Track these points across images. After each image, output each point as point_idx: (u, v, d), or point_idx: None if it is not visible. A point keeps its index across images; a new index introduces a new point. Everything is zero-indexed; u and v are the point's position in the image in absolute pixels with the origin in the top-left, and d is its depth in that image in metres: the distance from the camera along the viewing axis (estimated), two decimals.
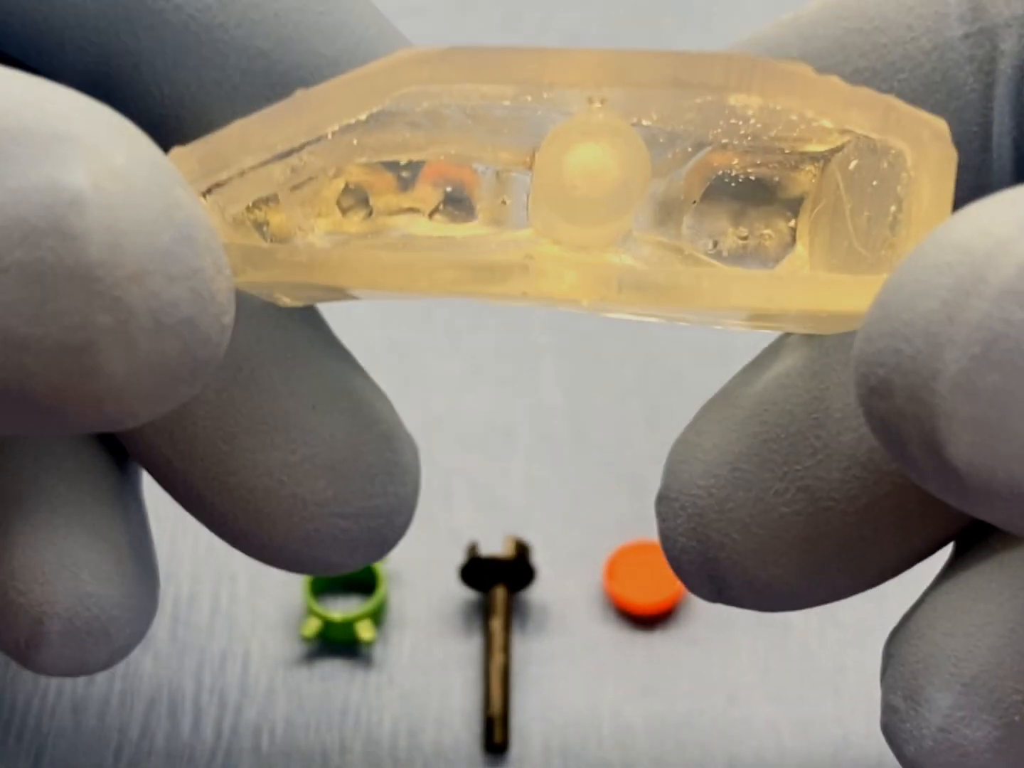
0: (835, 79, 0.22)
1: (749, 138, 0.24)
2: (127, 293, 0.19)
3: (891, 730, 0.26)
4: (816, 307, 0.22)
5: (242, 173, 0.23)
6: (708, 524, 0.25)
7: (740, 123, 0.24)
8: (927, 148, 0.22)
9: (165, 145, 0.26)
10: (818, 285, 0.22)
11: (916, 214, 0.22)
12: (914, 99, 0.24)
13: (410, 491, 0.27)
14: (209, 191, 0.23)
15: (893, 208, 0.23)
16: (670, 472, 0.26)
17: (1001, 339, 0.18)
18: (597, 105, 0.24)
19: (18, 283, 0.19)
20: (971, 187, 0.25)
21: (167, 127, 0.25)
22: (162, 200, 0.19)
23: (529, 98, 0.24)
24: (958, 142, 0.24)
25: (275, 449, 0.25)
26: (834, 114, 0.23)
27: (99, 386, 0.19)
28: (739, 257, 0.25)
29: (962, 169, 0.24)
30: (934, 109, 0.24)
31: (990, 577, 0.25)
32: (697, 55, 0.22)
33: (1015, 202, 0.19)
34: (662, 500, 0.26)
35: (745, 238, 0.25)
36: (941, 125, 0.22)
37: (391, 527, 0.26)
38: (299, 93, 0.23)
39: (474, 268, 0.23)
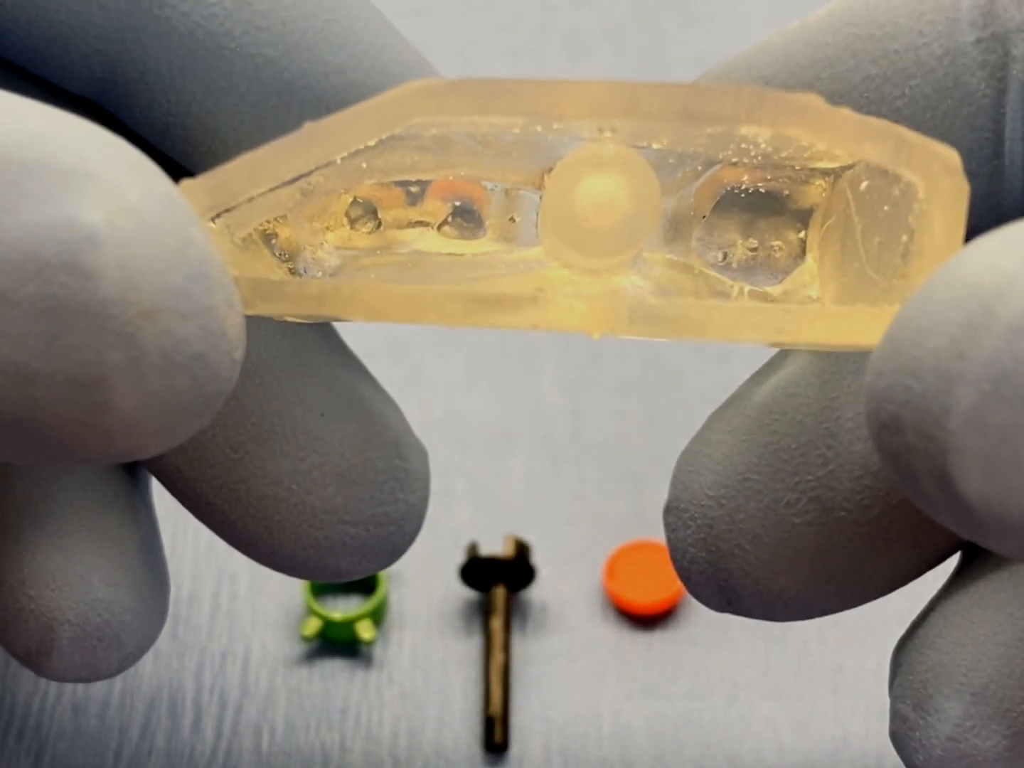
0: (846, 111, 0.22)
1: (759, 157, 0.24)
2: (139, 330, 0.19)
3: (900, 739, 0.26)
4: (826, 340, 0.22)
5: (251, 199, 0.23)
6: (718, 535, 0.25)
7: (751, 147, 0.24)
8: (939, 181, 0.22)
9: (171, 152, 0.26)
10: (829, 318, 0.22)
11: (928, 246, 0.22)
12: (925, 105, 0.24)
13: (419, 498, 0.27)
14: (218, 215, 0.23)
15: (904, 238, 0.23)
16: (679, 482, 0.26)
17: (1011, 375, 0.18)
18: (608, 134, 0.24)
19: (30, 318, 0.19)
20: (983, 194, 0.24)
21: (173, 135, 0.25)
22: (176, 238, 0.19)
23: (539, 128, 0.24)
24: (970, 148, 0.24)
25: (284, 457, 0.25)
26: (846, 147, 0.23)
27: (109, 421, 0.19)
28: (748, 268, 0.25)
29: (974, 176, 0.24)
30: (946, 115, 0.24)
31: (999, 586, 0.25)
32: (708, 88, 0.22)
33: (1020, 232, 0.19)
34: (670, 510, 0.26)
35: (755, 249, 0.25)
36: (953, 158, 0.22)
37: (401, 534, 0.26)
38: (308, 125, 0.23)
39: (484, 300, 0.23)
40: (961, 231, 0.22)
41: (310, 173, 0.23)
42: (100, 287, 0.19)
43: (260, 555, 0.26)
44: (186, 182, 0.23)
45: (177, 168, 0.26)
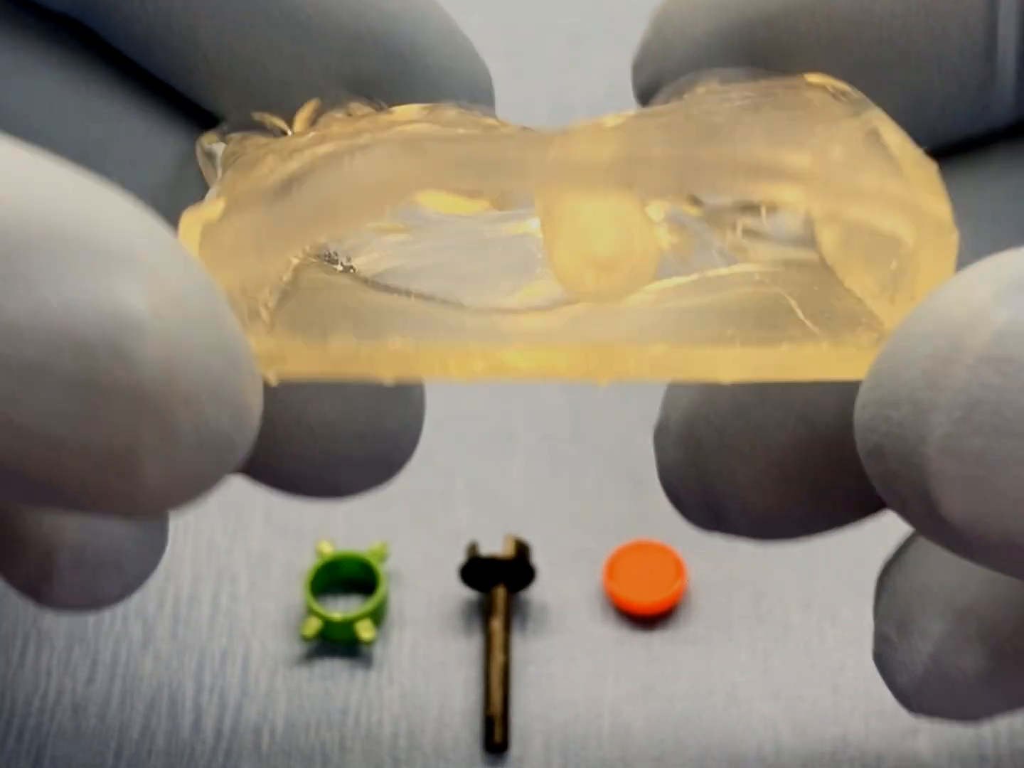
0: (841, 167, 0.22)
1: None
2: (176, 415, 0.19)
3: (882, 660, 0.26)
4: (823, 376, 0.23)
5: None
6: (706, 454, 0.25)
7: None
8: (929, 237, 0.22)
9: (152, 68, 0.26)
10: (824, 360, 0.23)
11: (916, 293, 0.23)
12: (919, 7, 0.24)
13: (415, 412, 0.27)
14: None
15: (890, 283, 0.23)
16: (668, 404, 0.26)
17: (981, 404, 0.19)
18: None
19: (65, 390, 0.19)
20: (974, 98, 0.25)
21: (154, 50, 0.25)
22: (213, 325, 0.20)
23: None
24: (962, 49, 0.24)
25: None
26: (839, 209, 0.23)
27: (135, 492, 0.20)
28: (758, 235, 0.25)
29: (966, 80, 0.24)
30: (939, 17, 0.24)
31: None
32: (705, 160, 0.23)
33: (993, 270, 0.20)
34: (660, 432, 0.26)
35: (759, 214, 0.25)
36: (945, 214, 0.22)
37: (397, 449, 0.26)
38: (308, 198, 0.22)
39: (502, 362, 0.24)
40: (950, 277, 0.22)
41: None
42: (142, 373, 0.19)
43: (256, 472, 0.26)
44: (186, 223, 0.23)
45: (160, 84, 0.27)
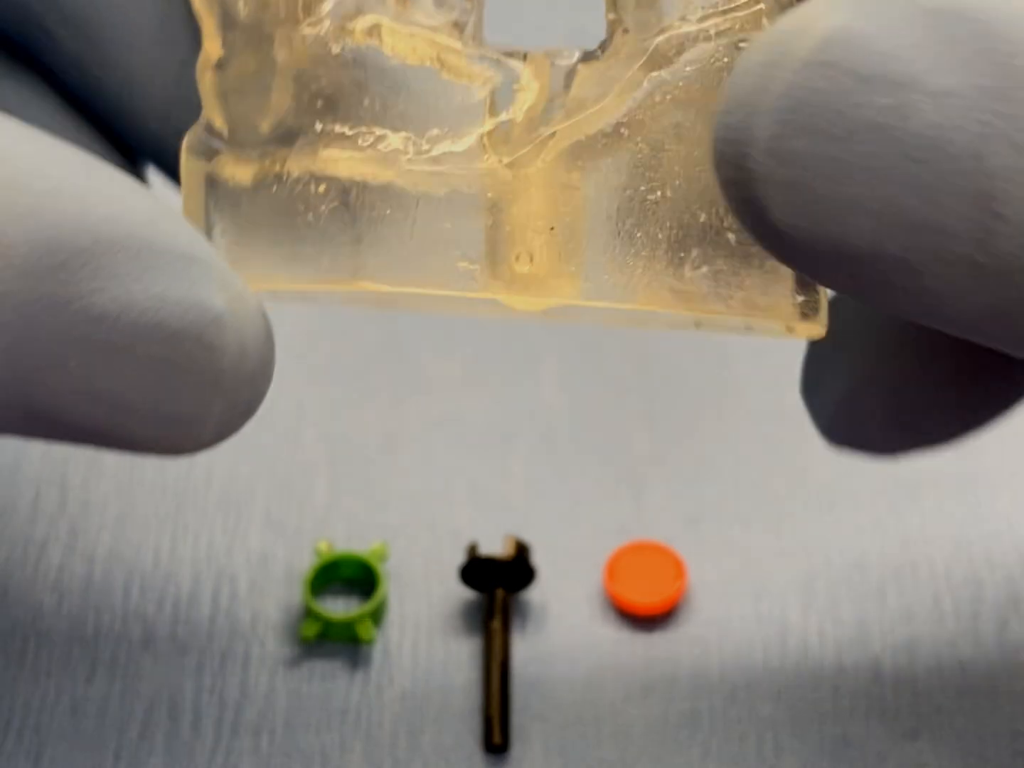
0: None
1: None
2: (239, 391, 0.24)
3: (807, 402, 0.29)
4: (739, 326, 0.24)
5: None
6: None
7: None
8: None
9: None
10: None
11: None
12: None
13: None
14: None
15: None
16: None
17: (805, 106, 0.20)
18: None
19: (147, 369, 0.23)
20: None
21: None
22: (262, 314, 0.24)
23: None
24: None
25: None
26: None
27: (188, 447, 0.24)
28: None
29: None
30: None
31: None
32: None
33: None
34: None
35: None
36: None
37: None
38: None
39: (453, 303, 0.26)
40: None
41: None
42: (221, 359, 0.24)
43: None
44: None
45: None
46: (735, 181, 0.21)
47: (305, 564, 0.35)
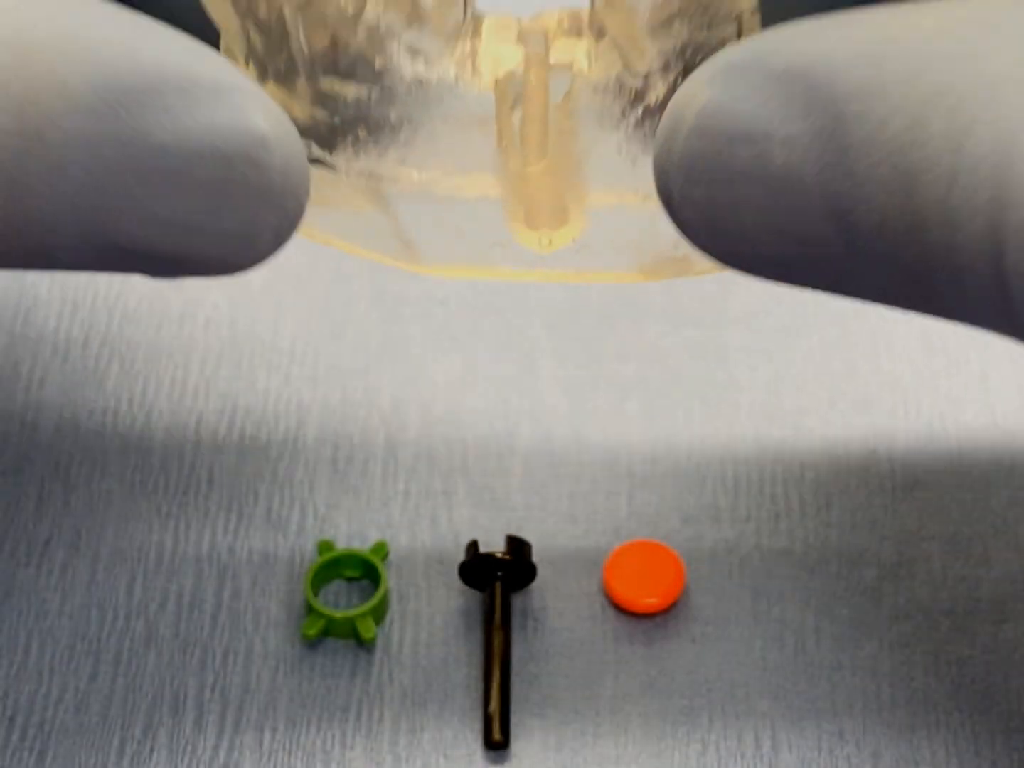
0: None
1: None
2: (286, 202, 0.27)
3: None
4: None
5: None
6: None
7: None
8: None
9: None
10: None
11: None
12: None
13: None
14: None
15: None
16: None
17: (696, 164, 0.26)
18: None
19: (207, 191, 0.26)
20: None
21: None
22: (297, 134, 0.27)
23: None
24: None
25: None
26: None
27: (248, 258, 0.27)
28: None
29: None
30: None
31: None
32: None
33: (713, 59, 0.27)
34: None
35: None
36: None
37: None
38: None
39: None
40: None
41: None
42: (270, 175, 0.26)
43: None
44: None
45: None
46: (668, 212, 0.27)
47: (307, 562, 0.35)
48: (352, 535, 0.36)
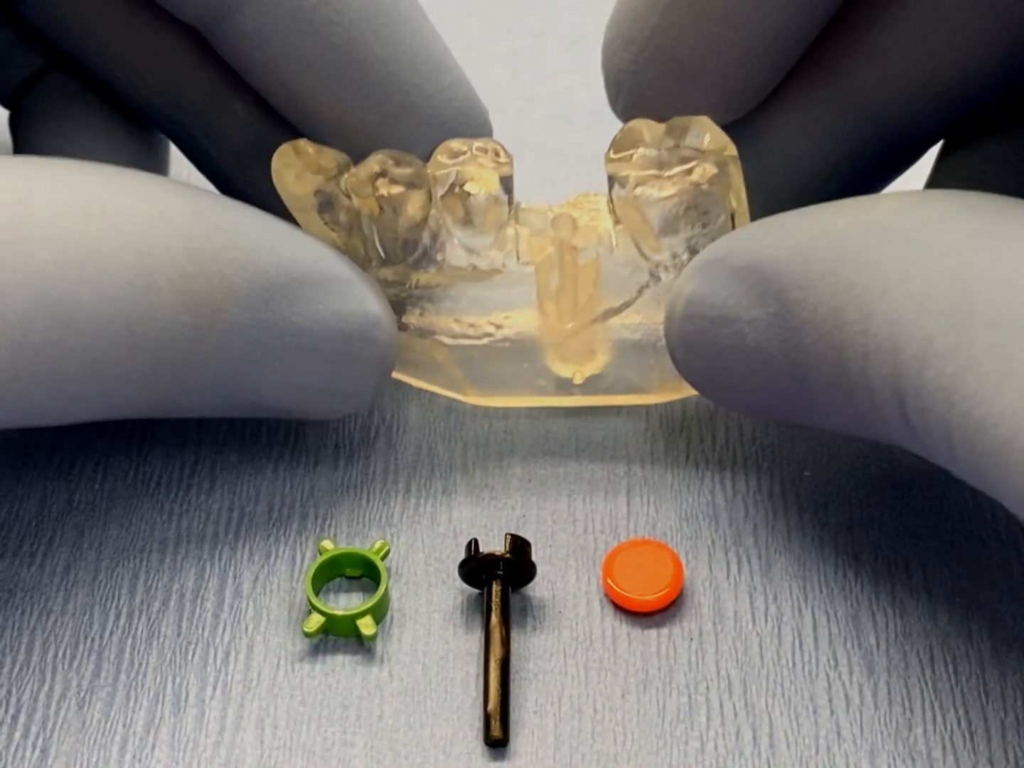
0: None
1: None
2: (386, 367, 0.34)
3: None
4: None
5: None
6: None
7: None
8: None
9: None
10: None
11: None
12: None
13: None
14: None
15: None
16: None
17: (689, 342, 0.33)
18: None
19: (331, 362, 0.33)
20: None
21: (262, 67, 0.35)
22: (392, 311, 0.34)
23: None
24: None
25: None
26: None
27: (351, 410, 0.35)
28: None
29: None
30: None
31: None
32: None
33: (701, 254, 0.33)
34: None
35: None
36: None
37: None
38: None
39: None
40: None
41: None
42: (379, 348, 0.34)
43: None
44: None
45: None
46: (678, 371, 0.34)
47: (307, 560, 0.35)
48: (352, 534, 0.36)
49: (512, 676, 0.33)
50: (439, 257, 0.35)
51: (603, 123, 0.39)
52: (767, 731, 0.32)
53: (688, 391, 0.36)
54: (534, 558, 0.35)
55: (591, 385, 0.37)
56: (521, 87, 0.45)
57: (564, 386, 0.37)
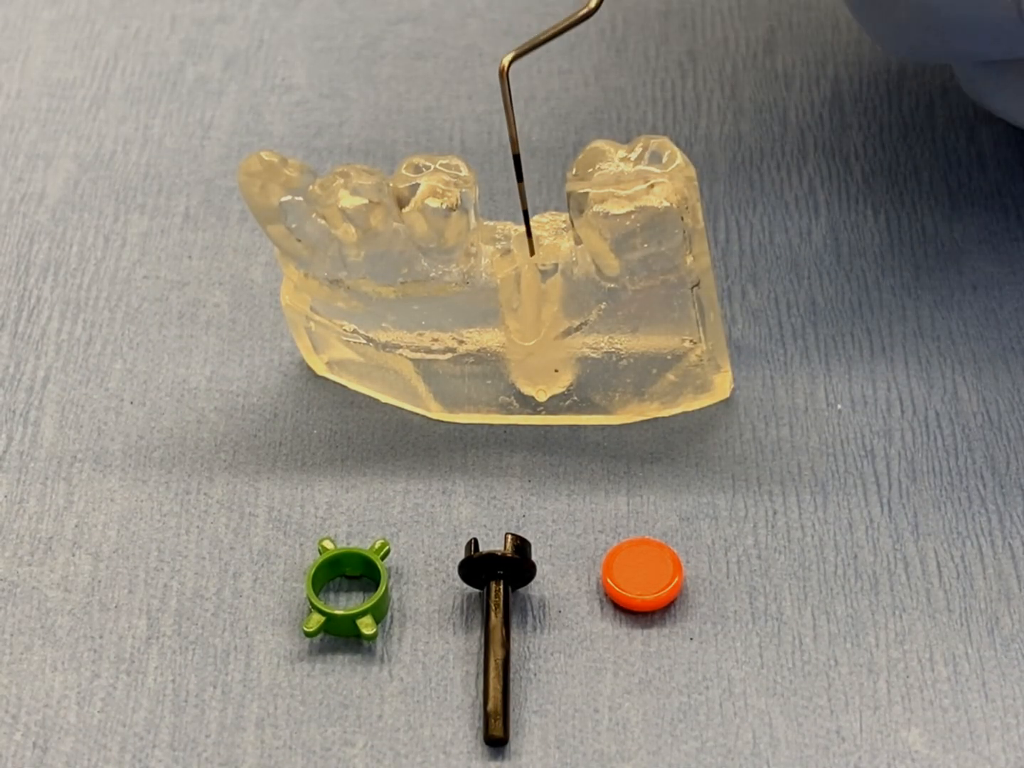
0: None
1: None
2: None
3: None
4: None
5: None
6: None
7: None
8: None
9: None
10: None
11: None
12: None
13: None
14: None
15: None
16: None
17: None
18: None
19: None
20: None
21: None
22: None
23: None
24: None
25: None
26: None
27: None
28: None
29: None
30: None
31: None
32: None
33: None
34: None
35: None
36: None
37: None
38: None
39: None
40: None
41: None
42: None
43: None
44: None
45: None
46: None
47: (308, 560, 0.35)
48: (352, 534, 0.36)
49: (512, 676, 0.33)
50: (403, 271, 0.35)
51: (603, 123, 0.39)
52: (766, 731, 0.32)
53: (652, 412, 0.37)
54: (534, 558, 0.35)
55: (555, 404, 0.37)
56: (521, 87, 0.45)
57: (528, 404, 0.37)
